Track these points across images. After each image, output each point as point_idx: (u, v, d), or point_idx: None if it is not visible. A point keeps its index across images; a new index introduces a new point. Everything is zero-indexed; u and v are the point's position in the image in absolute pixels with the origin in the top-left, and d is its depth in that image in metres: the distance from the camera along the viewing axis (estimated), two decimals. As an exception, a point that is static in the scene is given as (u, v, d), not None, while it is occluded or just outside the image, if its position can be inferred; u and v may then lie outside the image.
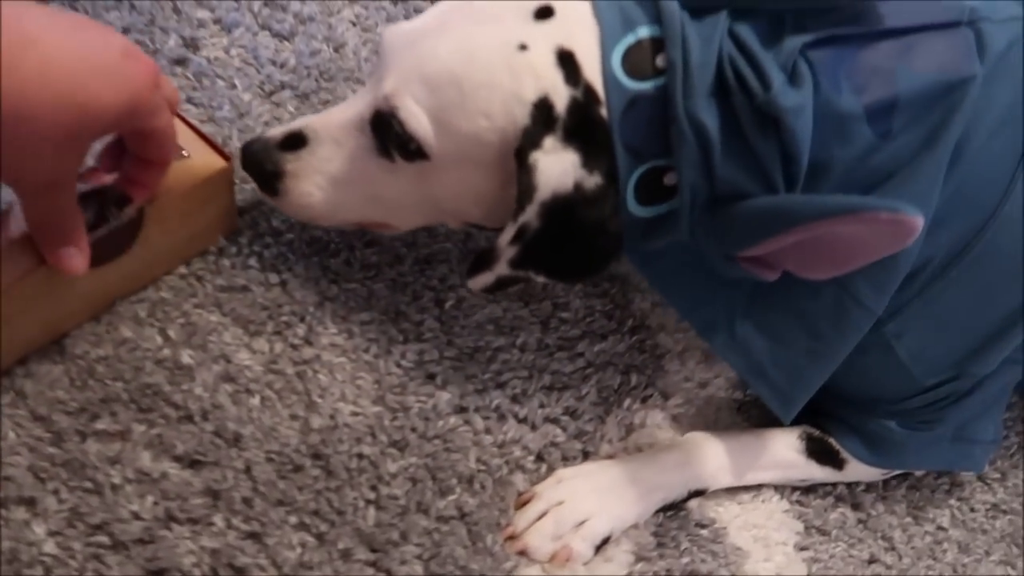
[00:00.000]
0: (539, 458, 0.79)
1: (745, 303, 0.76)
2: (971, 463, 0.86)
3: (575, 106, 0.64)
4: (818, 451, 0.84)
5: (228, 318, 0.78)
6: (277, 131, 0.75)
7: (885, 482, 0.88)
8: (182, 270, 0.80)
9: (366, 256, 0.85)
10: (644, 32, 0.64)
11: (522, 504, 0.77)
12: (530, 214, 0.66)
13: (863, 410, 0.83)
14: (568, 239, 0.68)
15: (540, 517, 0.75)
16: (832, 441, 0.84)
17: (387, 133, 0.69)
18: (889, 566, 0.83)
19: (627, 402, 0.85)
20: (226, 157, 0.77)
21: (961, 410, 0.81)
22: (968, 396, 0.80)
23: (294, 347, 0.78)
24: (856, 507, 0.86)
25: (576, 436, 0.82)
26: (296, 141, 0.73)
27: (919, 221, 0.58)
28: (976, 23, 0.67)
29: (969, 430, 0.84)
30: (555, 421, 0.82)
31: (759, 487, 0.85)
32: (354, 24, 1.04)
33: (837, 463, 0.84)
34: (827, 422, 0.85)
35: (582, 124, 0.65)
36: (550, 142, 0.64)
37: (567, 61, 0.64)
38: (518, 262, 0.70)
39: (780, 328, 0.75)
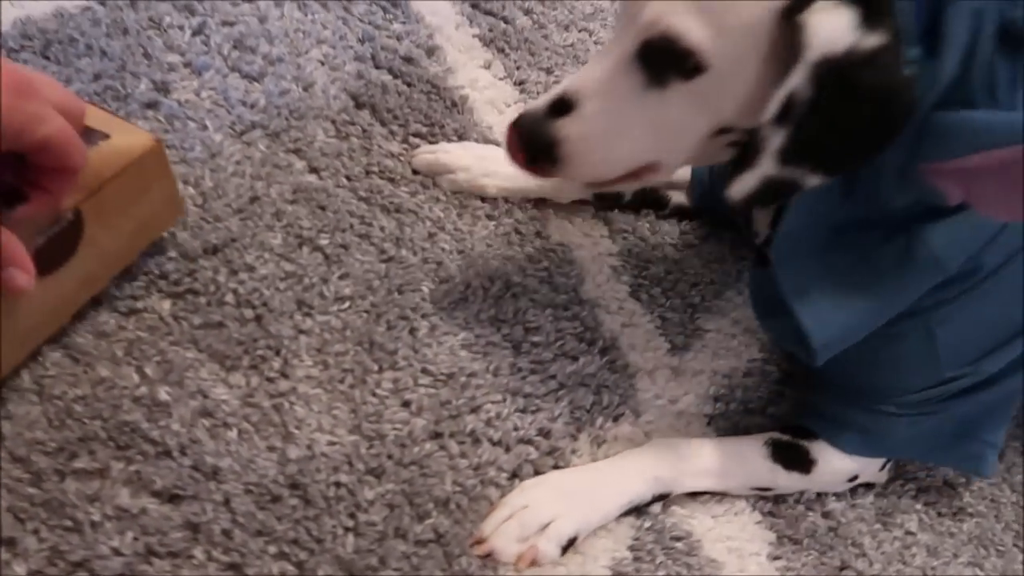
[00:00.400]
0: (513, 475, 0.81)
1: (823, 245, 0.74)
2: (978, 464, 0.87)
3: None
4: (784, 457, 0.86)
5: (204, 354, 0.80)
6: (540, 103, 0.73)
7: (853, 490, 0.91)
8: (161, 310, 0.81)
9: (339, 288, 0.87)
10: None
11: (490, 513, 0.78)
12: (799, 78, 0.61)
13: (862, 401, 0.84)
14: (849, 110, 0.62)
15: (506, 521, 0.77)
16: (804, 444, 0.87)
17: (660, 59, 0.67)
18: (860, 572, 0.85)
19: (599, 420, 0.87)
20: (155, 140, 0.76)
21: (964, 405, 0.82)
22: (972, 392, 0.81)
23: (270, 380, 0.80)
24: (826, 515, 0.88)
25: (549, 453, 0.83)
26: (563, 106, 0.71)
27: None
28: None
29: (977, 430, 0.85)
30: (529, 441, 0.84)
31: (732, 501, 0.87)
32: (322, 63, 1.07)
33: (804, 467, 0.87)
34: (815, 420, 0.87)
35: None
36: (819, 3, 0.60)
37: None
38: (788, 153, 0.64)
39: (844, 267, 0.74)
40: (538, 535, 0.77)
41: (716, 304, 1.02)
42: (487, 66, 1.17)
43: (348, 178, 0.97)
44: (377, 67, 1.09)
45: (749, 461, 0.87)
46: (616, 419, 0.88)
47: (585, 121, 0.71)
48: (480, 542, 0.76)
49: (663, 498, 0.84)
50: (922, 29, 0.62)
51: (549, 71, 1.20)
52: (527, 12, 1.27)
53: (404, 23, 1.17)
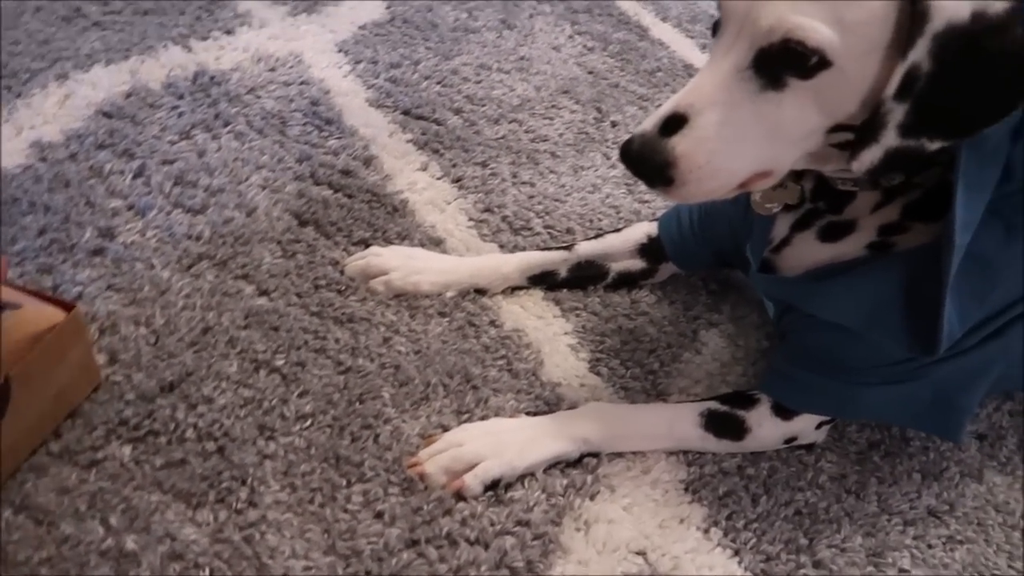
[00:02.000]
0: (496, 566, 0.80)
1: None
2: (954, 432, 0.89)
3: None
4: (718, 425, 0.91)
5: (169, 495, 0.79)
6: (649, 123, 0.72)
7: (840, 528, 0.90)
8: (122, 457, 0.81)
9: (300, 406, 0.87)
10: None
11: (428, 444, 0.86)
12: (920, 52, 0.63)
13: (836, 372, 0.86)
14: (975, 76, 0.63)
15: (441, 452, 0.83)
16: (739, 414, 0.91)
17: (779, 63, 0.67)
18: (859, 619, 0.84)
19: (577, 502, 0.87)
20: (68, 308, 0.79)
21: (942, 371, 0.84)
22: (951, 359, 0.83)
23: (238, 512, 0.79)
24: (817, 564, 0.87)
25: (536, 538, 0.82)
26: (675, 123, 0.71)
27: None
28: None
29: (955, 397, 0.87)
30: (509, 533, 0.83)
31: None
32: (263, 188, 1.10)
33: (737, 435, 0.91)
34: (781, 389, 0.91)
35: None
36: None
37: None
38: (909, 127, 0.65)
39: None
40: (467, 471, 0.83)
41: (675, 367, 1.03)
42: (424, 168, 1.21)
43: (298, 295, 0.98)
44: (317, 184, 1.13)
45: (680, 428, 0.91)
46: (593, 498, 0.88)
47: (700, 134, 0.71)
48: (415, 465, 0.84)
49: (592, 456, 0.89)
50: None
51: (484, 164, 1.24)
52: (457, 112, 1.33)
53: (339, 138, 1.21)
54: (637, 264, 1.10)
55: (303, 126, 1.21)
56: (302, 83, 1.28)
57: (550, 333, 1.03)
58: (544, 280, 1.08)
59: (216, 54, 1.30)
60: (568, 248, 1.09)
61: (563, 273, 1.08)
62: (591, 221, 1.20)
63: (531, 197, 1.21)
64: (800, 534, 0.89)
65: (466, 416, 0.91)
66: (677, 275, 1.14)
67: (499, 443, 0.86)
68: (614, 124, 1.39)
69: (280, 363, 0.90)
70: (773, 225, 0.88)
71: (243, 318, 0.94)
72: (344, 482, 0.82)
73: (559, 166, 1.28)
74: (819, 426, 0.94)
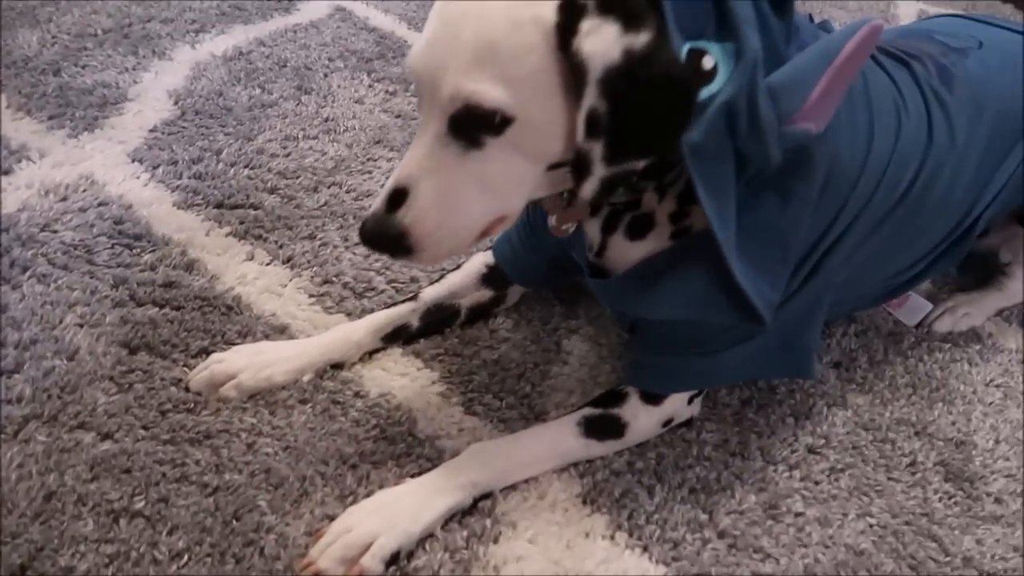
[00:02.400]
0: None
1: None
2: (805, 370, 0.95)
3: None
4: (597, 429, 0.93)
5: None
6: (377, 202, 0.77)
7: (734, 493, 0.93)
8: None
9: (171, 545, 0.82)
10: None
11: (317, 539, 0.82)
12: (591, 98, 0.69)
13: (690, 349, 0.90)
14: (642, 105, 0.70)
15: (331, 545, 0.81)
16: (614, 412, 0.94)
17: (469, 125, 0.73)
18: (771, 574, 0.87)
19: (481, 550, 0.86)
20: None
21: (778, 319, 0.87)
22: (780, 308, 0.87)
23: None
24: (721, 535, 0.90)
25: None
26: (398, 198, 0.76)
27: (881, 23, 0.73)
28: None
29: (798, 338, 0.93)
30: (422, 603, 0.81)
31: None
32: (81, 326, 1.03)
33: (618, 433, 0.94)
34: (643, 377, 0.94)
35: None
36: (586, 24, 0.68)
37: None
38: (611, 156, 0.72)
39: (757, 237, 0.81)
40: (363, 554, 0.80)
41: (547, 384, 1.04)
42: (250, 257, 1.17)
43: (144, 428, 0.92)
44: (139, 305, 1.07)
45: (562, 443, 0.93)
46: (496, 540, 0.87)
47: (423, 202, 0.76)
48: (308, 566, 0.80)
49: (486, 498, 0.89)
50: (704, 21, 0.72)
51: (312, 237, 1.22)
52: (272, 191, 1.30)
53: (153, 251, 1.15)
54: (485, 294, 1.11)
55: (111, 249, 1.14)
56: (100, 204, 1.22)
57: (417, 387, 1.02)
58: (398, 336, 1.06)
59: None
60: (414, 298, 1.08)
61: (415, 324, 1.07)
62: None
63: (367, 256, 1.19)
64: (699, 511, 0.92)
65: (351, 499, 0.88)
66: (527, 294, 1.15)
67: (389, 515, 0.84)
68: (432, 162, 1.39)
69: (140, 505, 0.85)
70: (585, 233, 0.91)
71: (88, 470, 0.87)
72: (237, 611, 0.78)
73: (388, 218, 1.27)
74: (690, 401, 0.98)
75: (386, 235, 0.77)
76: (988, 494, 0.98)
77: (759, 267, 0.81)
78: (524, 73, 0.70)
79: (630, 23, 0.68)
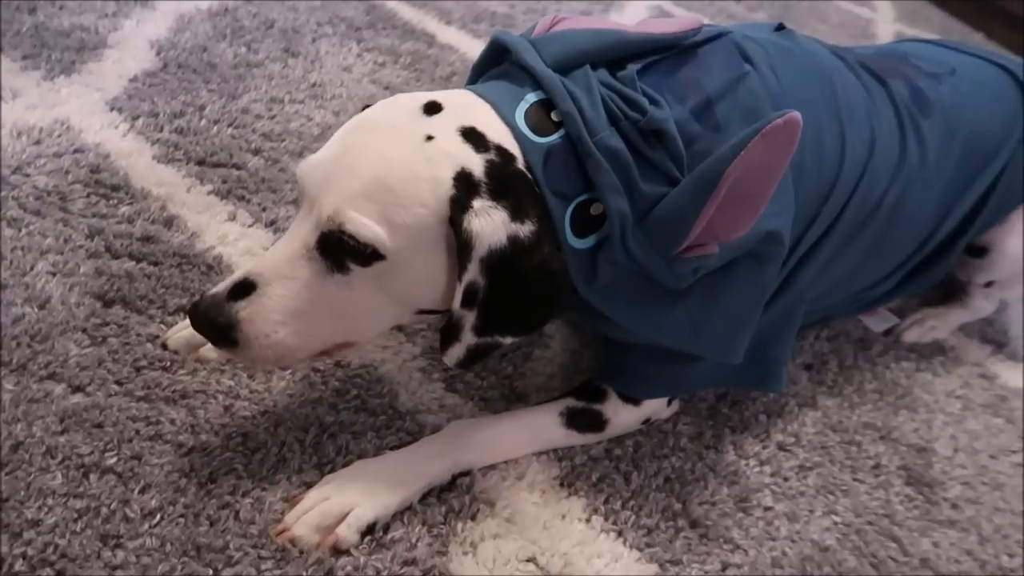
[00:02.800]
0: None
1: (699, 303, 0.82)
2: (775, 383, 0.97)
3: (492, 167, 0.73)
4: (579, 422, 0.94)
5: (8, 640, 0.70)
6: (221, 286, 0.76)
7: (707, 484, 0.95)
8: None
9: (144, 503, 0.80)
10: (532, 97, 0.77)
11: (294, 505, 0.81)
12: (473, 272, 0.72)
13: (664, 357, 0.91)
14: (518, 289, 0.74)
15: (307, 512, 0.80)
16: (596, 408, 0.95)
17: (339, 249, 0.74)
18: (740, 565, 0.89)
19: (459, 526, 0.86)
20: None
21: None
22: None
23: (96, 637, 0.71)
24: (694, 524, 0.92)
25: (425, 573, 0.80)
26: (244, 289, 0.75)
27: (799, 115, 0.71)
28: (729, 34, 0.86)
29: (768, 351, 0.95)
30: (398, 577, 0.81)
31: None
32: (53, 274, 0.99)
33: (598, 428, 0.95)
34: (618, 379, 0.95)
35: (503, 181, 0.73)
36: (478, 203, 0.72)
37: (471, 135, 0.74)
38: (481, 328, 0.75)
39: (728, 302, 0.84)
40: (338, 522, 0.80)
41: (529, 367, 1.05)
42: (232, 218, 1.14)
43: (118, 383, 0.90)
44: (115, 257, 1.04)
45: (544, 431, 0.94)
46: (474, 517, 0.87)
47: (266, 303, 0.75)
48: (283, 532, 0.79)
49: (464, 475, 0.89)
50: (582, 179, 0.76)
51: (296, 202, 1.19)
52: (256, 152, 1.27)
53: (131, 203, 1.12)
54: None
55: (87, 198, 1.11)
56: (76, 151, 1.17)
57: (400, 361, 1.01)
58: None
59: (-33, 135, 1.16)
60: (399, 272, 1.07)
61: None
62: (417, 239, 1.18)
63: (351, 226, 1.17)
64: (673, 500, 0.93)
65: (328, 468, 0.87)
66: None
67: (368, 486, 0.83)
68: (420, 137, 1.37)
69: (112, 462, 0.82)
70: None
71: (58, 422, 0.85)
72: (210, 572, 0.76)
73: (374, 189, 1.25)
74: (669, 402, 0.99)
75: (215, 321, 0.75)
76: (946, 499, 1.02)
77: (729, 327, 0.84)
78: (407, 223, 0.73)
79: (517, 213, 0.73)
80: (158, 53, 1.43)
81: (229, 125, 1.30)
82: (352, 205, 0.72)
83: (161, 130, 1.26)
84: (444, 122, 0.76)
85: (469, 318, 0.75)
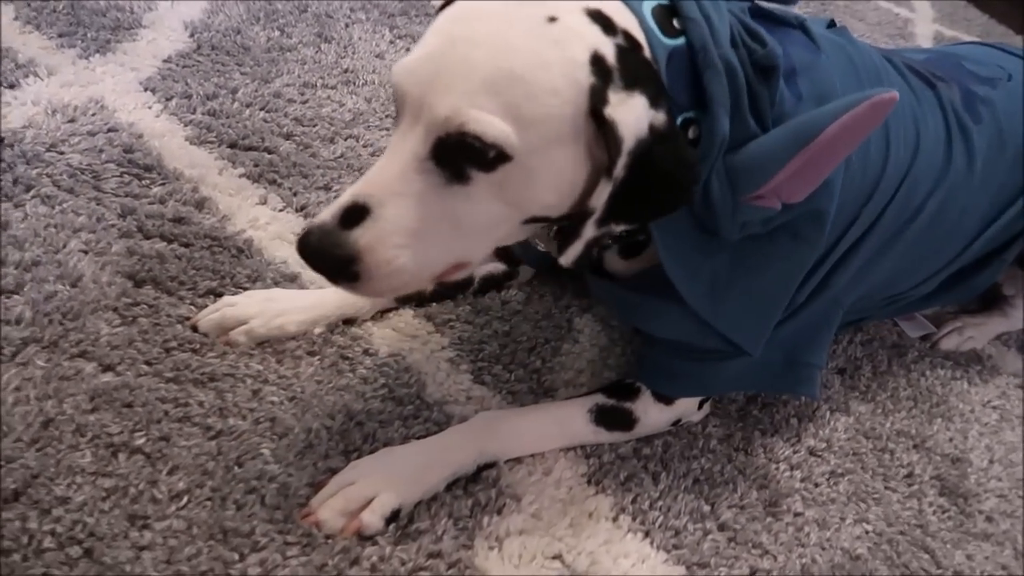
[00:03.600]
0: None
1: (726, 266, 0.80)
2: (809, 388, 0.94)
3: (622, 52, 0.68)
4: (607, 419, 0.92)
5: (36, 617, 0.70)
6: (327, 213, 0.68)
7: (736, 487, 0.94)
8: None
9: (172, 485, 0.80)
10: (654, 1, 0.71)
11: (319, 490, 0.81)
12: (621, 168, 0.67)
13: (692, 353, 0.89)
14: (655, 181, 0.69)
15: (332, 496, 0.79)
16: (626, 406, 0.93)
17: (458, 155, 0.66)
18: (768, 571, 0.87)
19: (485, 520, 0.85)
20: None
21: (784, 331, 0.89)
22: (786, 322, 0.88)
23: (121, 616, 0.71)
24: (722, 527, 0.90)
25: (451, 567, 0.80)
26: (355, 214, 0.67)
27: (897, 95, 0.68)
28: (802, 24, 0.83)
29: (802, 355, 0.93)
30: (423, 569, 0.80)
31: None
32: (85, 252, 0.99)
33: (627, 426, 0.93)
34: (649, 375, 0.93)
35: (634, 67, 0.68)
36: (615, 94, 0.66)
37: (598, 17, 0.68)
38: (603, 219, 0.70)
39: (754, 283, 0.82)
40: (363, 508, 0.79)
41: (557, 361, 1.03)
42: (263, 202, 1.14)
43: (148, 363, 0.90)
44: (147, 238, 1.03)
45: (572, 426, 0.92)
46: (500, 512, 0.86)
47: (383, 227, 0.67)
48: (308, 515, 0.78)
49: (489, 467, 0.87)
50: (690, 93, 0.71)
51: (327, 188, 1.19)
52: (288, 136, 1.26)
53: (164, 184, 1.12)
54: (499, 267, 1.09)
55: (120, 177, 1.10)
56: (110, 130, 1.17)
57: (428, 351, 1.00)
58: (411, 297, 1.04)
59: (2, 112, 1.16)
60: (429, 261, 1.06)
61: (428, 287, 1.05)
62: (447, 229, 1.17)
63: (382, 214, 1.16)
64: (702, 501, 0.92)
65: (355, 455, 0.86)
66: (539, 272, 1.14)
67: (392, 473, 0.82)
68: (452, 126, 1.36)
69: (141, 442, 0.82)
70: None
71: (88, 400, 0.85)
72: (236, 556, 0.76)
73: (405, 177, 1.24)
74: (700, 405, 0.97)
75: (333, 255, 0.67)
76: (980, 512, 0.99)
77: (751, 304, 0.82)
78: (537, 116, 0.66)
79: (654, 99, 0.68)
80: (192, 35, 1.43)
81: (261, 109, 1.30)
82: (472, 102, 0.64)
83: (194, 112, 1.26)
84: (566, 2, 0.69)
85: (596, 212, 0.69)
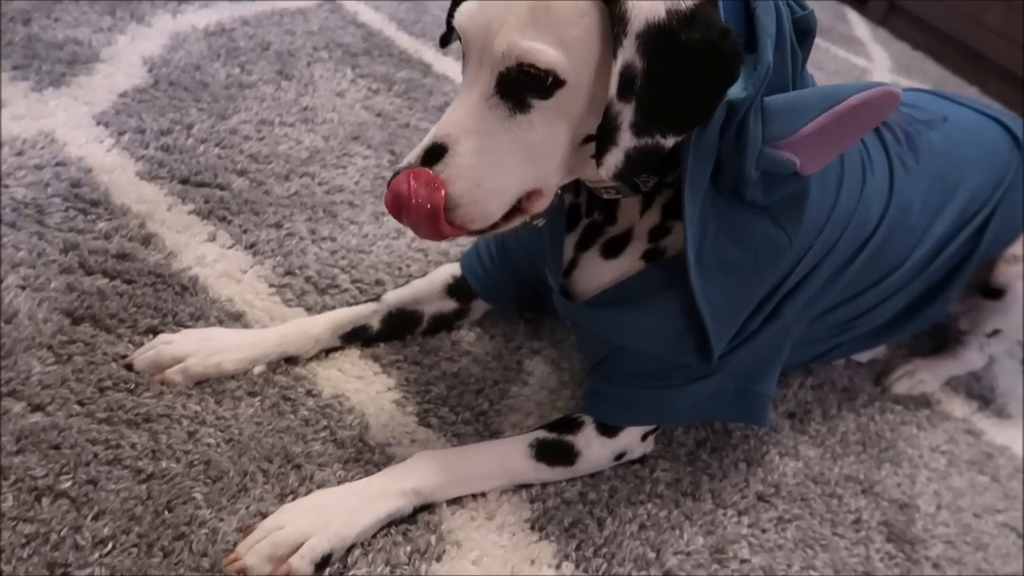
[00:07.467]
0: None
1: (713, 220, 0.81)
2: (761, 417, 0.94)
3: None
4: (548, 453, 0.92)
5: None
6: (412, 156, 0.74)
7: (682, 533, 0.92)
8: None
9: (96, 531, 0.77)
10: None
11: (247, 535, 0.79)
12: (628, 51, 0.67)
13: (646, 382, 0.89)
14: (681, 70, 0.68)
15: (260, 542, 0.77)
16: (568, 440, 0.92)
17: (519, 86, 0.71)
18: (712, 620, 0.86)
19: (424, 568, 0.83)
20: None
21: (736, 359, 0.89)
22: (738, 349, 0.89)
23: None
24: (667, 575, 0.88)
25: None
26: (436, 153, 0.73)
27: (901, 92, 0.74)
28: None
29: (754, 384, 0.93)
30: (357, 619, 0.78)
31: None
32: (23, 288, 0.97)
33: (568, 461, 0.93)
34: (597, 406, 0.93)
35: None
36: None
37: None
38: (640, 125, 0.69)
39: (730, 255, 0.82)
40: (292, 554, 0.77)
41: (505, 403, 1.02)
42: (212, 239, 1.12)
43: (80, 403, 0.87)
44: (89, 274, 1.01)
45: (512, 462, 0.91)
46: (439, 559, 0.84)
47: (461, 161, 0.73)
48: (235, 561, 0.76)
49: (426, 508, 0.86)
50: (741, 32, 0.72)
51: (279, 225, 1.18)
52: (242, 173, 1.25)
53: (110, 219, 1.10)
54: (449, 305, 1.09)
55: (64, 212, 1.09)
56: (58, 164, 1.16)
57: (372, 392, 0.99)
58: (358, 336, 1.03)
59: (-52, 143, 1.14)
60: (376, 299, 1.06)
61: (376, 325, 1.04)
62: (399, 268, 1.16)
63: (334, 252, 1.16)
64: (647, 548, 0.90)
65: (290, 499, 0.84)
66: (492, 311, 1.13)
67: (323, 516, 0.80)
68: (409, 165, 1.36)
69: (66, 485, 0.79)
70: (563, 249, 0.90)
71: (15, 442, 0.82)
72: (161, 608, 0.73)
73: (359, 215, 1.24)
74: (644, 437, 0.97)
75: None
76: (927, 558, 0.99)
77: (728, 288, 0.82)
78: (577, 36, 0.70)
79: None
80: (150, 70, 1.42)
81: (216, 145, 1.29)
82: (522, 35, 0.70)
83: (147, 147, 1.24)
84: None
85: (627, 114, 0.69)
